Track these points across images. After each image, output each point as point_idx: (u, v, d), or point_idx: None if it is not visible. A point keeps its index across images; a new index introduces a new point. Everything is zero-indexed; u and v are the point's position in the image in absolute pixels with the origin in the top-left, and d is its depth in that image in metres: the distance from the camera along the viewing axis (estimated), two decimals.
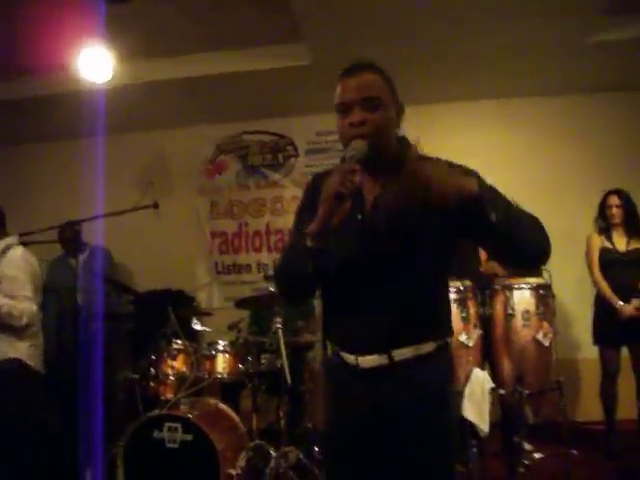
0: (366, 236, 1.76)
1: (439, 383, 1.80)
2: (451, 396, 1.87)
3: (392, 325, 1.73)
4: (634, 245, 4.73)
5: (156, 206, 4.21)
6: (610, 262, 4.74)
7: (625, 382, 4.73)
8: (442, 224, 1.71)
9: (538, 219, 1.71)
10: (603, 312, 4.75)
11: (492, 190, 1.71)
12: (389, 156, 1.78)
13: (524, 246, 1.65)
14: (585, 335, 4.91)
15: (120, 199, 4.64)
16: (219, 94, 5.64)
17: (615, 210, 4.75)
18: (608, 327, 4.70)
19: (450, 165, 1.74)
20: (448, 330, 1.87)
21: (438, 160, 1.75)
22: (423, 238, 1.74)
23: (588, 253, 4.84)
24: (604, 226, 4.84)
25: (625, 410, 4.79)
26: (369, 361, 1.76)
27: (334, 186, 1.58)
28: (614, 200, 4.78)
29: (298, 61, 5.07)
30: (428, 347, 1.76)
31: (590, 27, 4.72)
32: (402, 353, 1.74)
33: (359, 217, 1.78)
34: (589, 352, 4.97)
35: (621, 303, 4.59)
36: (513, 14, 4.44)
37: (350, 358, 1.80)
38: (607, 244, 4.78)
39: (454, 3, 4.27)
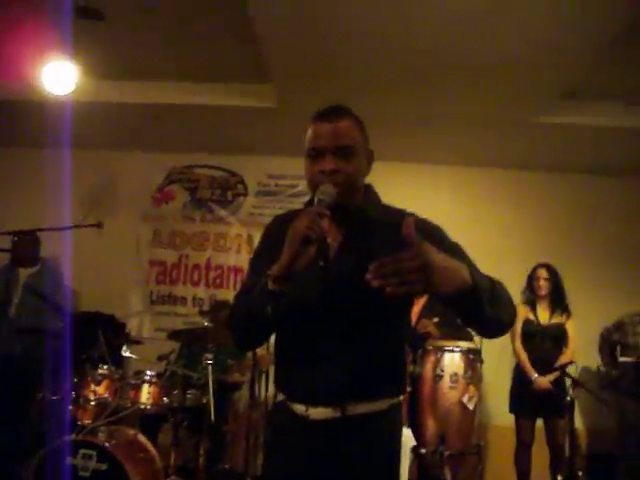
0: (327, 284, 1.70)
1: (389, 442, 1.74)
2: (399, 456, 1.77)
3: (349, 378, 1.66)
4: (556, 319, 4.90)
5: (100, 226, 4.14)
6: (531, 334, 4.88)
7: (540, 453, 4.82)
8: None
9: (503, 284, 1.62)
10: (520, 382, 4.85)
11: (461, 253, 1.69)
12: (355, 204, 1.74)
13: (502, 323, 1.60)
14: (503, 402, 5.01)
15: (65, 215, 4.58)
16: (178, 124, 5.65)
17: (542, 282, 4.93)
18: (524, 397, 4.80)
19: (416, 217, 1.69)
20: (402, 388, 1.81)
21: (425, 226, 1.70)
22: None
23: None
24: (531, 298, 5.00)
25: None
26: (320, 413, 1.68)
27: (302, 229, 1.52)
28: (542, 273, 4.96)
29: (263, 102, 5.11)
30: (382, 404, 1.70)
31: (540, 109, 4.95)
32: (356, 408, 1.67)
33: (321, 264, 1.71)
34: (505, 420, 5.06)
35: (536, 375, 4.72)
36: (478, 86, 4.62)
37: (300, 409, 1.72)
38: (531, 316, 4.93)
39: (420, 65, 4.39)
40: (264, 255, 1.73)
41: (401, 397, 1.79)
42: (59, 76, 4.22)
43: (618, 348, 5.19)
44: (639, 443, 4.83)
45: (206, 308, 5.75)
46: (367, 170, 1.78)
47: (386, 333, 1.71)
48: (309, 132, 1.72)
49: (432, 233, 1.67)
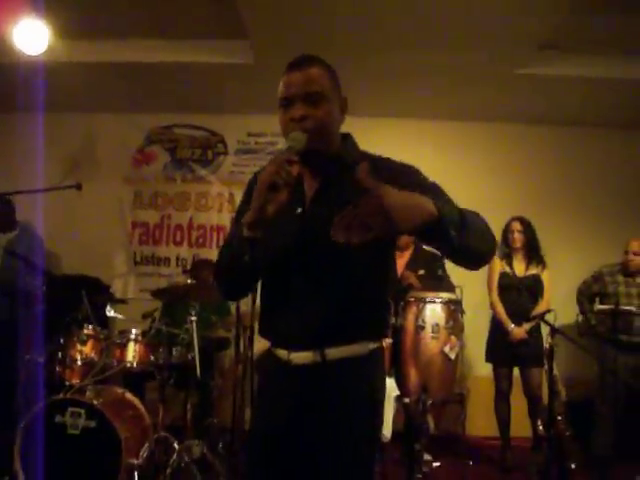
0: (304, 230, 1.72)
1: (370, 388, 1.75)
2: (381, 403, 1.79)
3: (326, 322, 1.69)
4: (531, 271, 4.98)
5: (79, 187, 4.12)
6: (507, 286, 4.96)
7: (519, 401, 4.94)
8: None
9: (480, 216, 1.66)
10: (497, 333, 4.97)
11: (439, 193, 1.69)
12: (331, 152, 1.76)
13: (478, 252, 1.61)
14: (481, 353, 5.12)
15: (44, 178, 4.55)
16: (155, 83, 5.59)
17: (517, 235, 4.99)
18: (500, 348, 4.92)
19: (390, 162, 1.79)
20: (383, 332, 1.82)
21: (386, 162, 1.76)
22: None
23: (489, 276, 5.04)
24: (506, 251, 5.06)
25: (520, 428, 5.01)
26: (301, 358, 1.71)
27: (268, 176, 1.54)
28: (516, 226, 5.01)
29: (240, 58, 5.08)
30: (362, 348, 1.72)
31: (520, 60, 4.96)
32: (335, 352, 1.69)
33: (299, 210, 1.75)
34: (485, 370, 5.16)
35: (513, 326, 4.82)
36: (458, 39, 4.62)
37: (283, 354, 1.76)
38: (507, 269, 5.01)
39: (397, 22, 4.38)
40: (245, 210, 1.71)
41: (382, 342, 1.80)
42: (31, 36, 4.15)
43: (597, 299, 5.29)
44: (616, 388, 4.95)
45: (189, 267, 5.78)
46: (340, 117, 1.79)
47: (364, 278, 1.72)
48: (281, 83, 1.74)
49: (406, 175, 1.72)
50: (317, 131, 1.68)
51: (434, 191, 1.67)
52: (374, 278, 1.76)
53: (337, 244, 1.55)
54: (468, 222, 1.54)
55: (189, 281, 4.45)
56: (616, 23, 4.52)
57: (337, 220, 1.38)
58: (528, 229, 5.01)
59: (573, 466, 4.41)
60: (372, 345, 1.75)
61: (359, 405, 1.71)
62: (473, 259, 1.64)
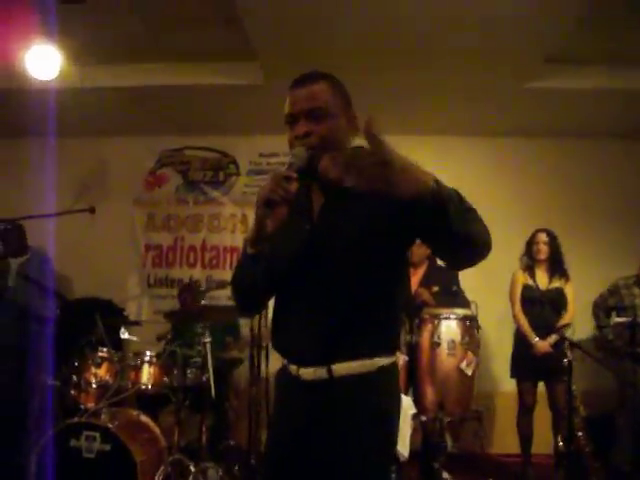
0: (312, 245, 1.72)
1: (379, 406, 1.71)
2: (391, 418, 1.75)
3: (333, 337, 1.68)
4: (555, 284, 4.93)
5: (92, 211, 4.15)
6: (531, 299, 4.91)
7: (542, 417, 4.88)
8: (392, 231, 1.66)
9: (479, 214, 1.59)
10: (521, 347, 4.90)
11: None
12: None
13: (477, 241, 1.55)
14: (504, 369, 5.06)
15: (57, 203, 4.58)
16: (166, 106, 5.63)
17: (542, 247, 4.95)
18: (525, 362, 4.85)
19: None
20: (392, 348, 1.77)
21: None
22: (372, 249, 1.68)
23: (511, 289, 5.00)
24: (529, 264, 5.03)
25: (542, 445, 4.94)
26: (309, 373, 1.70)
27: (265, 193, 1.57)
28: (542, 237, 4.98)
29: (249, 80, 5.11)
30: (370, 365, 1.68)
31: (529, 74, 4.97)
32: (342, 368, 1.67)
33: (307, 227, 1.75)
34: (508, 385, 5.10)
35: (537, 339, 4.76)
36: (460, 56, 4.64)
37: (293, 369, 1.76)
38: (530, 281, 4.96)
39: (408, 41, 4.42)
40: None
41: (394, 358, 1.76)
42: (43, 61, 4.20)
43: (613, 313, 5.23)
44: (635, 401, 4.88)
45: (203, 289, 5.79)
46: (348, 131, 1.76)
47: (374, 292, 1.70)
48: (286, 101, 1.75)
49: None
50: (321, 147, 1.66)
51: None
52: (383, 294, 1.72)
53: (345, 258, 1.63)
54: (469, 206, 1.52)
55: (203, 302, 4.42)
56: (622, 35, 4.53)
57: (330, 156, 1.42)
58: (553, 241, 4.97)
59: None
60: (382, 361, 1.70)
61: (367, 421, 1.67)
62: (471, 250, 1.57)
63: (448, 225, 1.45)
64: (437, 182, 1.43)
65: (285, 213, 1.58)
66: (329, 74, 1.79)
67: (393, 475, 4.29)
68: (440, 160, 6.21)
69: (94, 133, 6.18)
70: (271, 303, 1.92)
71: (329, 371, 1.67)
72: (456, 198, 1.48)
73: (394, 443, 1.81)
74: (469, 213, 1.52)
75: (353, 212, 1.67)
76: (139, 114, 5.79)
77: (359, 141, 1.67)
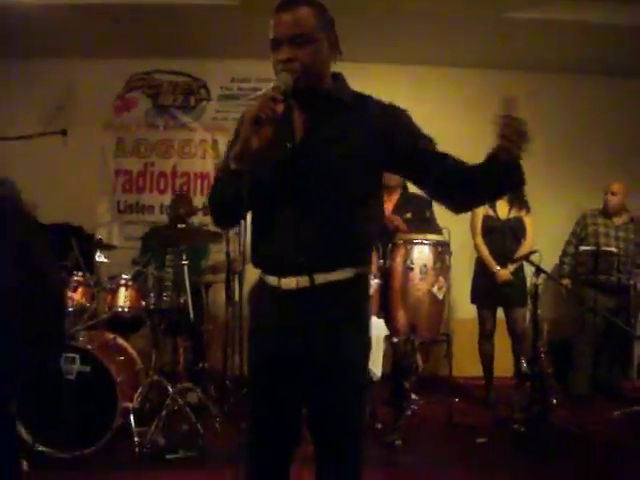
0: (295, 163, 1.81)
1: (357, 307, 1.87)
2: (367, 319, 1.92)
3: (315, 249, 1.79)
4: (514, 214, 5.04)
5: (64, 133, 4.08)
6: (491, 229, 5.03)
7: (501, 342, 5.08)
8: (368, 156, 1.82)
9: None
10: (482, 275, 5.07)
11: (433, 141, 1.93)
12: (321, 90, 1.83)
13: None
14: (464, 296, 5.22)
15: (24, 126, 4.47)
16: (137, 26, 5.44)
17: None
18: (485, 289, 5.03)
19: (383, 102, 1.91)
20: (367, 260, 1.93)
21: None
22: (351, 173, 1.81)
23: (472, 219, 5.09)
24: None
25: (502, 368, 5.16)
26: (291, 282, 1.81)
27: (253, 111, 1.65)
28: None
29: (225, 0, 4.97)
30: (347, 273, 1.82)
31: (503, 3, 4.95)
32: (323, 277, 1.79)
33: (289, 146, 1.83)
34: (471, 312, 5.27)
35: (498, 268, 4.91)
36: None
37: (273, 280, 1.85)
38: (490, 212, 5.06)
39: None
40: (235, 142, 1.79)
41: (366, 268, 1.91)
42: None
43: (574, 240, 5.42)
44: (595, 327, 5.10)
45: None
46: (331, 54, 1.85)
47: (351, 209, 1.82)
48: (270, 24, 1.79)
49: (399, 116, 1.90)
50: (304, 72, 1.74)
51: (429, 138, 1.91)
52: (360, 210, 1.85)
53: (326, 175, 1.79)
54: None
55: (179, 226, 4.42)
56: None
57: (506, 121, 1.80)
58: None
59: (554, 401, 4.57)
60: (357, 270, 1.85)
61: (346, 323, 1.83)
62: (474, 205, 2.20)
63: (497, 191, 1.96)
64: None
65: (270, 132, 1.67)
66: None
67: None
68: (416, 90, 6.24)
69: (61, 54, 5.97)
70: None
71: (311, 279, 1.79)
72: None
73: (369, 346, 1.94)
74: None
75: (333, 134, 1.81)
76: (108, 35, 5.58)
77: (336, 66, 1.87)
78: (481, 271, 5.08)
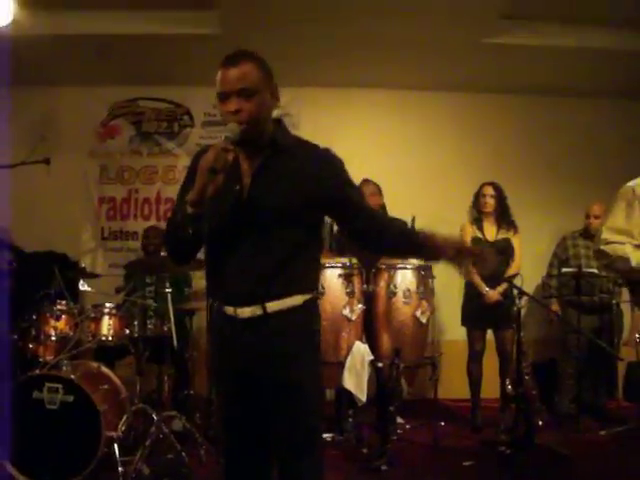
0: (243, 204, 1.99)
1: (305, 326, 2.08)
2: (317, 338, 2.12)
3: (265, 281, 1.99)
4: (502, 235, 5.10)
5: (47, 162, 4.10)
6: None
7: (490, 363, 5.10)
8: (311, 198, 2.02)
9: None
10: (471, 296, 5.09)
11: (361, 194, 2.26)
12: (264, 137, 2.02)
13: None
14: (454, 318, 5.24)
15: (7, 154, 4.47)
16: (119, 55, 5.45)
17: (489, 199, 5.10)
18: (475, 310, 5.06)
19: (318, 149, 2.10)
20: (314, 286, 2.15)
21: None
22: (292, 213, 2.00)
23: None
24: (477, 216, 5.19)
25: (489, 389, 5.18)
26: (246, 312, 1.99)
27: (208, 161, 1.81)
28: (489, 190, 5.13)
29: (206, 29, 5.02)
30: (296, 300, 2.03)
31: (486, 29, 5.04)
32: (274, 305, 1.99)
33: (237, 188, 2.01)
34: (458, 334, 5.29)
35: (487, 289, 4.94)
36: (418, 9, 4.67)
37: (230, 310, 2.02)
38: (478, 233, 5.11)
39: None
40: (188, 188, 1.95)
41: (314, 293, 2.12)
42: None
43: (556, 262, 5.48)
44: (579, 348, 5.13)
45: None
46: (272, 103, 2.05)
47: (295, 243, 2.02)
48: (217, 77, 1.97)
49: (332, 166, 2.09)
50: (251, 122, 1.93)
51: (356, 190, 2.20)
52: (304, 242, 2.06)
53: (271, 216, 1.98)
54: None
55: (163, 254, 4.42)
56: None
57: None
58: (500, 193, 5.12)
59: (540, 422, 4.59)
60: (306, 297, 2.06)
61: (299, 345, 2.05)
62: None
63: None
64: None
65: (222, 180, 1.84)
66: (255, 53, 2.01)
67: (350, 420, 4.48)
68: (394, 114, 6.33)
69: (44, 82, 5.97)
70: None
71: (263, 308, 1.98)
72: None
73: (320, 364, 2.16)
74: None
75: (275, 177, 2.01)
76: (92, 63, 5.58)
77: (277, 111, 2.10)
78: (471, 293, 5.10)
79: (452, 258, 2.04)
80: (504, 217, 5.13)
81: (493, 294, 4.91)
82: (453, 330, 5.41)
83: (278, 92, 2.06)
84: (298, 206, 1.99)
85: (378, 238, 2.14)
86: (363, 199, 2.21)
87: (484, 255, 2.10)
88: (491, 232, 5.11)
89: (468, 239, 5.07)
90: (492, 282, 4.94)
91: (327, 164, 2.07)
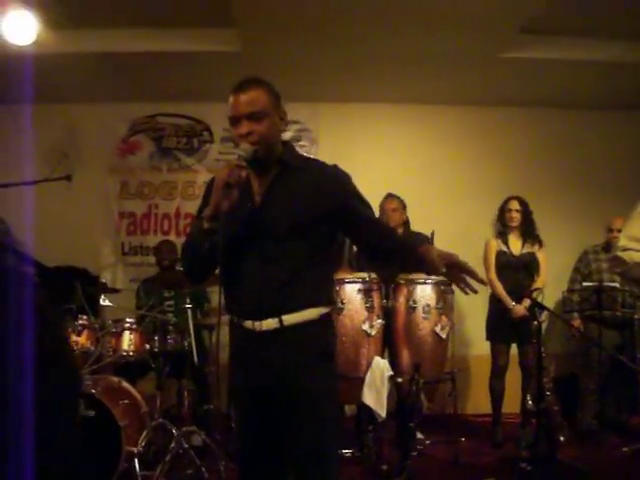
0: (256, 220, 2.10)
1: (320, 338, 2.15)
2: (331, 348, 2.20)
3: (281, 296, 2.06)
4: (527, 249, 5.07)
5: (69, 179, 4.15)
6: (505, 265, 5.05)
7: (513, 378, 5.05)
8: (320, 214, 2.11)
9: None
10: (497, 311, 5.05)
11: (368, 206, 2.25)
12: (274, 157, 2.13)
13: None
14: (477, 332, 5.20)
15: (29, 170, 4.53)
16: (141, 72, 5.54)
17: (514, 214, 5.08)
18: (500, 325, 5.01)
19: (325, 166, 2.22)
20: (329, 300, 2.23)
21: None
22: (302, 226, 2.09)
23: (486, 255, 5.12)
24: (502, 230, 5.16)
25: (511, 405, 5.13)
26: (264, 325, 2.07)
27: (223, 177, 1.95)
28: (514, 205, 5.10)
29: (226, 46, 5.06)
30: (312, 314, 2.11)
31: (504, 43, 5.04)
32: (290, 318, 2.07)
33: (249, 205, 2.12)
34: (481, 349, 5.25)
35: (513, 303, 4.91)
36: (435, 24, 4.70)
37: (248, 324, 2.10)
38: (503, 247, 5.09)
39: (382, 9, 4.43)
40: (203, 208, 2.09)
41: (329, 308, 2.20)
42: (19, 27, 4.14)
43: (579, 277, 5.44)
44: (601, 363, 5.08)
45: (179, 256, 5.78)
46: (282, 126, 2.18)
47: (309, 258, 2.11)
48: (229, 102, 2.09)
49: (340, 182, 2.19)
50: (262, 142, 2.05)
51: (364, 204, 2.23)
52: (316, 256, 2.13)
53: (284, 232, 2.07)
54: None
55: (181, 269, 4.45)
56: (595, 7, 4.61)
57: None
58: (525, 208, 5.10)
59: (562, 439, 4.54)
60: (321, 310, 2.14)
61: (313, 357, 2.11)
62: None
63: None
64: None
65: (236, 195, 1.97)
66: (264, 80, 2.15)
67: (370, 435, 4.45)
68: (414, 128, 6.34)
69: (66, 100, 6.06)
70: None
71: (280, 321, 2.06)
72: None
73: (337, 376, 2.25)
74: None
75: (285, 194, 2.11)
76: (112, 80, 5.66)
77: (287, 134, 2.10)
78: (496, 307, 5.06)
79: (444, 273, 2.08)
80: (529, 231, 5.10)
81: (519, 308, 4.87)
82: (478, 345, 5.36)
83: (286, 116, 2.19)
84: (308, 219, 2.08)
85: (376, 251, 2.26)
86: (371, 212, 2.28)
87: (471, 270, 2.11)
88: (516, 246, 5.09)
89: (493, 253, 5.07)
90: (517, 296, 4.91)
91: (334, 179, 2.17)
